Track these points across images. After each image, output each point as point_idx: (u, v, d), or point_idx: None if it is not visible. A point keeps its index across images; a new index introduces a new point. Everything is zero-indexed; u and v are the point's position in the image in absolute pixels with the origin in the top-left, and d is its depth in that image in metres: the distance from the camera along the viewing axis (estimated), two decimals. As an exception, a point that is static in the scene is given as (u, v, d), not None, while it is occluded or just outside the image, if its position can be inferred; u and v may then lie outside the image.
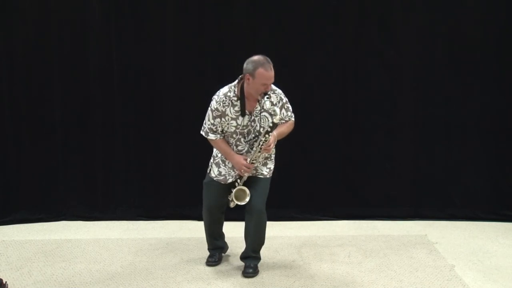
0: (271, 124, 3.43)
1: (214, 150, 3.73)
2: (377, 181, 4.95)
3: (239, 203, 3.61)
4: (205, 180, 3.76)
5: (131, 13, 4.79)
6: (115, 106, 4.89)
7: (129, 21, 4.80)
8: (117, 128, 4.92)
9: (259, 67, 3.34)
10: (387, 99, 4.87)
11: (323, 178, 4.95)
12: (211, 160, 3.73)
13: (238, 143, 3.58)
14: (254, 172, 3.63)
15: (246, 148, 3.59)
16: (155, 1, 4.79)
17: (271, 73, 3.38)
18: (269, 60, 3.40)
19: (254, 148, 3.51)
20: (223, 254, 3.99)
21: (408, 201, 4.96)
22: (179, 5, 4.78)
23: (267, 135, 3.44)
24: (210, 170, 3.72)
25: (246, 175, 3.57)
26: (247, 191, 3.58)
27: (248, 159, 3.53)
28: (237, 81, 3.52)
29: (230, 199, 3.67)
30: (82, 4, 4.76)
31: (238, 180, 3.60)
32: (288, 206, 4.92)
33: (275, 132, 3.50)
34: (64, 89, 4.84)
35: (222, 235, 3.96)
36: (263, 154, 3.55)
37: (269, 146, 3.47)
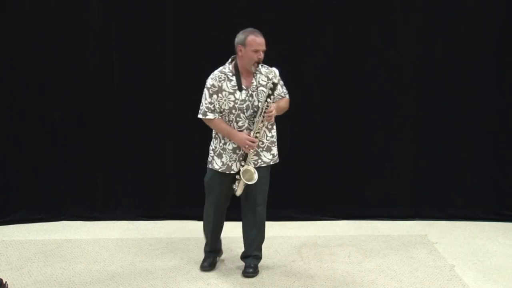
0: (271, 85, 3.41)
1: (212, 143, 3.65)
2: (377, 181, 4.95)
3: (249, 183, 3.50)
4: (206, 178, 3.68)
5: (131, 13, 4.80)
6: (115, 106, 4.89)
7: (129, 21, 4.80)
8: (117, 128, 4.92)
9: (249, 34, 3.43)
10: (387, 99, 4.87)
11: (323, 178, 4.95)
12: (211, 154, 3.64)
13: (238, 119, 3.50)
14: (257, 158, 3.56)
15: (246, 124, 3.51)
16: (155, 1, 4.79)
17: (262, 39, 3.44)
18: (259, 31, 3.47)
19: (256, 119, 3.45)
20: (218, 258, 3.91)
21: (408, 201, 4.96)
22: (179, 5, 4.79)
23: (268, 99, 3.40)
24: (212, 164, 3.62)
25: (251, 151, 3.48)
26: (253, 169, 3.49)
27: (252, 133, 3.47)
28: (230, 60, 3.57)
29: (235, 187, 3.57)
30: (82, 4, 4.76)
31: (243, 162, 3.51)
32: (288, 206, 4.92)
33: (274, 104, 3.48)
34: (64, 89, 4.84)
35: (220, 238, 3.90)
36: (266, 124, 3.48)
37: (271, 112, 3.42)
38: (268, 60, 4.76)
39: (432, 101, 4.85)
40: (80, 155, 4.95)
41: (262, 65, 3.58)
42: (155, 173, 4.99)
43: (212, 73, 3.55)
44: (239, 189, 3.57)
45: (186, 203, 4.94)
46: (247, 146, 3.45)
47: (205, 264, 3.80)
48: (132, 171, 4.98)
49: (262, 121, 3.45)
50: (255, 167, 3.54)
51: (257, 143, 3.48)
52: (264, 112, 3.41)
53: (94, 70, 4.84)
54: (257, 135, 3.47)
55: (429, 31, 4.79)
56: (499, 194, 4.91)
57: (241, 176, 3.50)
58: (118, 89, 4.87)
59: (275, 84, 3.41)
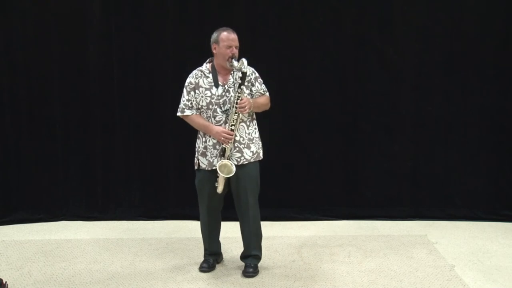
0: (240, 75, 3.46)
1: (196, 144, 3.71)
2: (377, 181, 4.95)
3: (226, 176, 3.51)
4: (196, 181, 3.73)
5: (131, 13, 4.80)
6: (115, 106, 4.89)
7: (129, 20, 4.80)
8: (117, 128, 4.92)
9: (222, 32, 3.54)
10: (387, 99, 4.87)
11: (323, 178, 4.95)
12: (196, 155, 3.70)
13: (215, 114, 3.56)
14: (239, 155, 3.58)
15: (223, 119, 3.56)
16: (155, 1, 4.79)
17: (234, 35, 3.53)
18: (232, 29, 3.56)
19: (229, 111, 3.52)
20: (217, 262, 3.89)
21: (408, 201, 4.96)
22: (179, 5, 4.79)
23: (239, 90, 3.45)
24: (198, 165, 3.67)
25: (228, 145, 3.51)
26: (228, 162, 3.50)
27: (227, 125, 3.52)
28: (207, 60, 3.67)
29: (216, 185, 3.58)
30: (82, 3, 4.77)
31: (222, 157, 3.54)
32: (288, 206, 4.92)
33: (251, 100, 3.52)
34: (64, 89, 4.85)
35: (219, 242, 3.89)
36: (240, 116, 3.51)
37: (244, 103, 3.45)
38: (268, 60, 4.78)
39: (432, 101, 4.85)
40: (80, 155, 4.95)
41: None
42: (155, 173, 4.99)
43: (191, 73, 3.67)
44: (219, 185, 3.58)
45: (186, 203, 4.94)
46: (223, 138, 3.50)
47: (204, 265, 3.79)
48: (132, 171, 4.98)
49: (236, 113, 3.48)
50: (238, 164, 3.56)
51: (233, 136, 3.50)
52: (236, 103, 3.45)
53: (94, 70, 4.84)
54: (232, 127, 3.50)
55: (429, 31, 4.79)
56: (499, 194, 4.90)
57: (218, 171, 3.51)
58: (118, 89, 4.87)
59: (244, 74, 3.45)
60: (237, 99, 3.46)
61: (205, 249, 3.86)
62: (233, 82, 3.57)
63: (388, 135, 4.91)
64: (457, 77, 4.81)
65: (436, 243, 4.33)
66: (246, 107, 3.47)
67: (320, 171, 4.94)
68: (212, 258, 3.84)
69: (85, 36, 4.81)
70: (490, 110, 4.83)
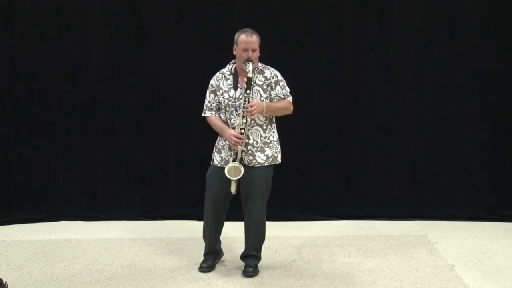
0: (245, 79, 3.46)
1: (216, 140, 3.72)
2: (377, 181, 4.95)
3: (234, 178, 3.52)
4: (208, 173, 3.73)
5: (131, 13, 4.80)
6: (115, 106, 4.89)
7: (129, 21, 4.80)
8: (117, 128, 4.92)
9: (241, 34, 3.53)
10: (387, 99, 4.87)
11: (323, 178, 4.95)
12: (214, 150, 3.73)
13: (231, 116, 3.58)
14: (252, 158, 3.58)
15: (238, 121, 3.57)
16: (155, 1, 4.79)
17: (251, 38, 3.50)
18: (253, 30, 3.54)
19: (240, 114, 3.51)
20: (217, 260, 3.90)
21: (408, 201, 4.96)
22: (179, 5, 4.79)
23: (246, 93, 3.44)
24: (213, 160, 3.72)
25: (239, 148, 3.51)
26: (236, 164, 3.52)
27: (237, 128, 3.52)
28: (232, 61, 3.67)
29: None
30: (82, 4, 4.77)
31: (234, 157, 3.56)
32: (288, 206, 4.92)
33: (264, 103, 3.50)
34: (64, 89, 4.85)
35: (219, 240, 3.88)
36: (249, 120, 3.50)
37: (251, 107, 3.42)
38: (268, 60, 4.77)
39: (432, 101, 4.85)
40: (80, 155, 4.95)
41: (265, 67, 3.63)
42: (155, 173, 4.99)
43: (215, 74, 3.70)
44: (232, 187, 3.59)
45: (186, 203, 4.94)
46: (233, 142, 3.50)
47: (204, 265, 3.79)
48: (132, 171, 4.98)
49: (244, 117, 3.47)
50: (249, 165, 3.56)
51: (243, 139, 3.50)
52: (244, 107, 3.45)
53: (94, 70, 4.84)
54: (242, 131, 3.49)
55: (429, 31, 4.79)
56: (499, 194, 4.91)
57: (227, 174, 3.52)
58: (118, 89, 4.87)
59: (249, 78, 3.45)
60: (244, 103, 3.45)
61: (205, 246, 3.85)
62: (252, 85, 3.53)
63: (388, 135, 4.92)
64: (457, 77, 4.82)
65: (436, 243, 4.33)
66: (254, 111, 3.44)
67: (320, 171, 4.94)
68: (211, 257, 3.83)
69: (85, 36, 4.81)
70: (490, 110, 4.83)
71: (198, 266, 3.81)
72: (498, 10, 4.72)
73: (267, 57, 4.73)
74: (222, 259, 3.96)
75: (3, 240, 4.41)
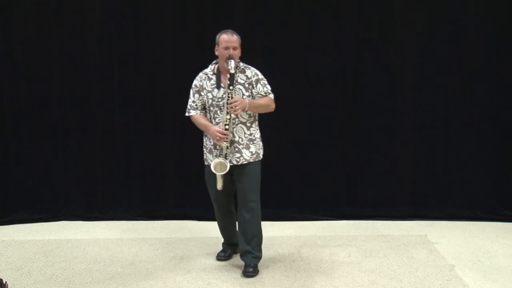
0: (228, 75, 3.50)
1: (204, 141, 3.78)
2: (377, 181, 4.95)
3: (220, 173, 3.56)
4: (205, 176, 3.80)
5: (131, 13, 4.80)
6: (115, 106, 4.89)
7: (129, 21, 4.80)
8: (117, 128, 4.92)
9: (222, 34, 3.61)
10: (387, 99, 4.87)
11: (323, 178, 4.95)
12: (204, 151, 3.79)
13: (215, 115, 3.65)
14: (239, 155, 3.62)
15: (222, 118, 3.62)
16: (155, 1, 4.79)
17: (232, 37, 3.58)
18: (233, 31, 3.62)
19: (224, 111, 3.57)
20: (235, 252, 3.99)
21: (408, 201, 4.96)
22: (179, 5, 4.79)
23: (229, 89, 3.48)
24: (206, 160, 3.76)
25: (223, 144, 3.55)
26: (220, 159, 3.57)
27: (221, 124, 3.57)
28: (213, 62, 3.72)
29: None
30: (82, 4, 4.77)
31: (220, 156, 3.61)
32: (288, 206, 4.92)
33: (247, 100, 3.55)
34: (64, 89, 4.85)
35: (235, 233, 3.95)
36: (233, 116, 3.54)
37: (235, 103, 3.46)
38: (268, 60, 4.78)
39: (432, 101, 4.85)
40: (80, 155, 4.95)
41: (246, 66, 3.67)
42: (155, 173, 4.99)
43: (197, 75, 3.76)
44: (218, 182, 3.63)
45: (186, 203, 4.94)
46: (217, 138, 3.55)
47: (221, 254, 3.97)
48: (132, 171, 4.98)
49: (228, 113, 3.51)
50: (238, 164, 3.61)
51: (228, 135, 3.54)
52: (227, 103, 3.49)
53: (94, 70, 4.84)
54: (226, 127, 3.54)
55: (429, 31, 4.79)
56: (499, 194, 4.90)
57: (212, 169, 3.57)
58: (118, 89, 4.87)
59: (231, 75, 3.50)
60: (228, 99, 3.50)
61: (223, 238, 4.00)
62: (234, 84, 3.57)
63: (388, 135, 4.91)
64: (457, 77, 4.81)
65: (436, 243, 4.33)
66: (238, 107, 3.48)
67: (320, 171, 4.94)
68: (229, 248, 3.98)
69: (85, 37, 4.81)
70: (490, 110, 4.83)
71: (215, 255, 3.96)
72: (498, 10, 4.72)
73: (267, 57, 4.75)
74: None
75: (3, 240, 4.41)
